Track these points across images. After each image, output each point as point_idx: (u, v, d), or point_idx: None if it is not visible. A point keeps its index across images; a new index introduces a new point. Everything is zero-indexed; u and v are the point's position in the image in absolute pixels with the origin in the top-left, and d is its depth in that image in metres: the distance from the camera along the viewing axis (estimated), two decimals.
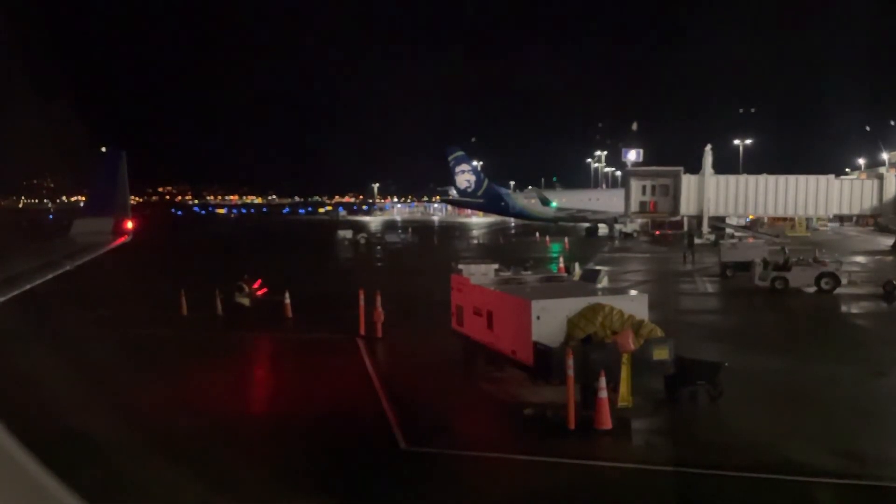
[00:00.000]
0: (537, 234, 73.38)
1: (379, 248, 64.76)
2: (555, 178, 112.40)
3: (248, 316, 26.98)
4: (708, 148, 57.99)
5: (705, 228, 57.61)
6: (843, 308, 29.22)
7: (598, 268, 29.85)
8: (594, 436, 13.63)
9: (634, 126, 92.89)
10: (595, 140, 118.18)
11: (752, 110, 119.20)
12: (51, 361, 16.19)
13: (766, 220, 66.83)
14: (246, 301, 25.18)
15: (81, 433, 12.22)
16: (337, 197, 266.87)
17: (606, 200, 76.26)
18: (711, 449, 13.31)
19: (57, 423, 13.03)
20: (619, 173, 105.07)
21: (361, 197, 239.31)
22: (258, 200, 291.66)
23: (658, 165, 64.68)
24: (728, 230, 58.52)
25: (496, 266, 19.89)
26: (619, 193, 66.93)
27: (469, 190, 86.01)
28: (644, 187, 59.46)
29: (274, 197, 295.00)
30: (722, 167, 62.60)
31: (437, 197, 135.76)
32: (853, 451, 12.98)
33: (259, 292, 25.31)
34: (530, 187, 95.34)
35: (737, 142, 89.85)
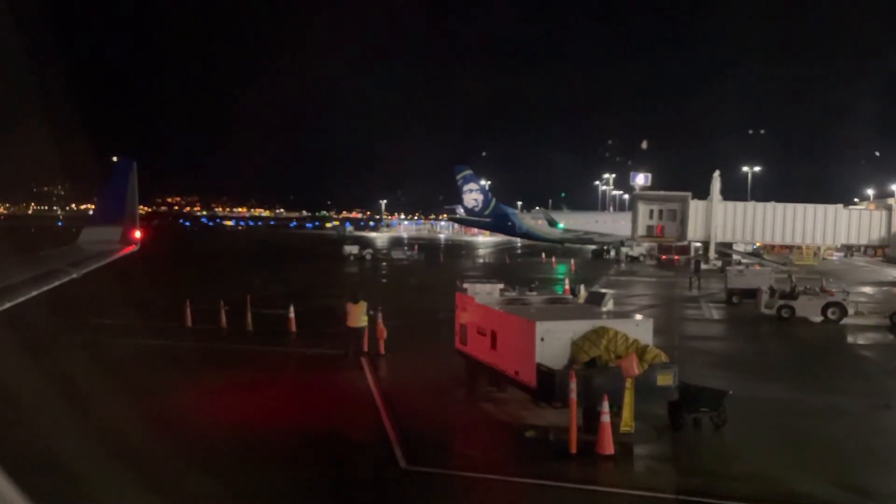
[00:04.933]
0: (543, 255, 73.32)
1: (384, 264, 64.79)
2: (563, 195, 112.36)
3: (253, 330, 26.98)
4: (716, 174, 57.99)
5: (712, 254, 57.50)
6: (850, 338, 29.03)
7: (603, 291, 29.74)
8: (595, 460, 13.51)
9: (644, 144, 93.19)
10: (604, 158, 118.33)
11: (762, 131, 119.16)
12: (44, 370, 16.21)
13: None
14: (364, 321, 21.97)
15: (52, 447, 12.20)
16: (344, 212, 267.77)
17: (613, 223, 76.31)
18: (714, 478, 13.17)
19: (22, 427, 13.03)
20: (626, 196, 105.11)
21: (368, 213, 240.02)
22: (266, 213, 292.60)
23: (666, 190, 64.69)
24: (735, 257, 58.37)
25: (501, 286, 19.86)
26: (627, 217, 66.90)
27: (476, 209, 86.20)
28: (651, 211, 59.43)
29: (282, 210, 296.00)
30: (730, 193, 62.58)
31: (444, 215, 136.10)
32: (858, 484, 12.84)
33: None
34: (537, 208, 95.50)
35: (745, 169, 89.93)
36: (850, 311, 31.51)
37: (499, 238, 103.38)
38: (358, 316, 22.03)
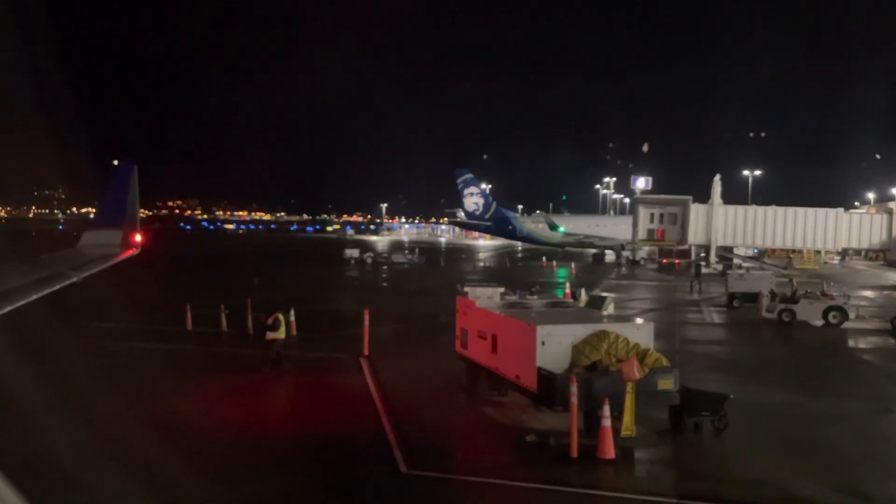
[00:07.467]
0: (544, 258, 73.29)
1: (385, 268, 64.78)
2: (564, 199, 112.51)
3: (253, 333, 26.94)
4: (717, 178, 57.94)
5: (713, 258, 57.47)
6: (851, 343, 29.00)
7: (604, 294, 29.75)
8: (596, 464, 13.50)
9: (645, 148, 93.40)
10: (605, 161, 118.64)
11: (763, 134, 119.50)
12: (44, 374, 16.19)
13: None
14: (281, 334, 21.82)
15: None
16: (345, 216, 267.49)
17: (614, 227, 76.29)
18: (715, 482, 13.16)
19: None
20: (627, 200, 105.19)
21: (369, 216, 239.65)
22: (266, 217, 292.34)
23: (667, 194, 64.65)
24: (736, 260, 58.39)
25: (502, 290, 19.84)
26: (627, 220, 66.87)
27: (477, 212, 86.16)
28: (652, 215, 59.35)
29: (282, 214, 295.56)
30: (731, 197, 62.52)
31: (445, 218, 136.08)
32: (859, 488, 12.82)
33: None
34: (538, 212, 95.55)
35: (746, 172, 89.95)
36: (851, 315, 31.47)
37: (499, 242, 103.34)
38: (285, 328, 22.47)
